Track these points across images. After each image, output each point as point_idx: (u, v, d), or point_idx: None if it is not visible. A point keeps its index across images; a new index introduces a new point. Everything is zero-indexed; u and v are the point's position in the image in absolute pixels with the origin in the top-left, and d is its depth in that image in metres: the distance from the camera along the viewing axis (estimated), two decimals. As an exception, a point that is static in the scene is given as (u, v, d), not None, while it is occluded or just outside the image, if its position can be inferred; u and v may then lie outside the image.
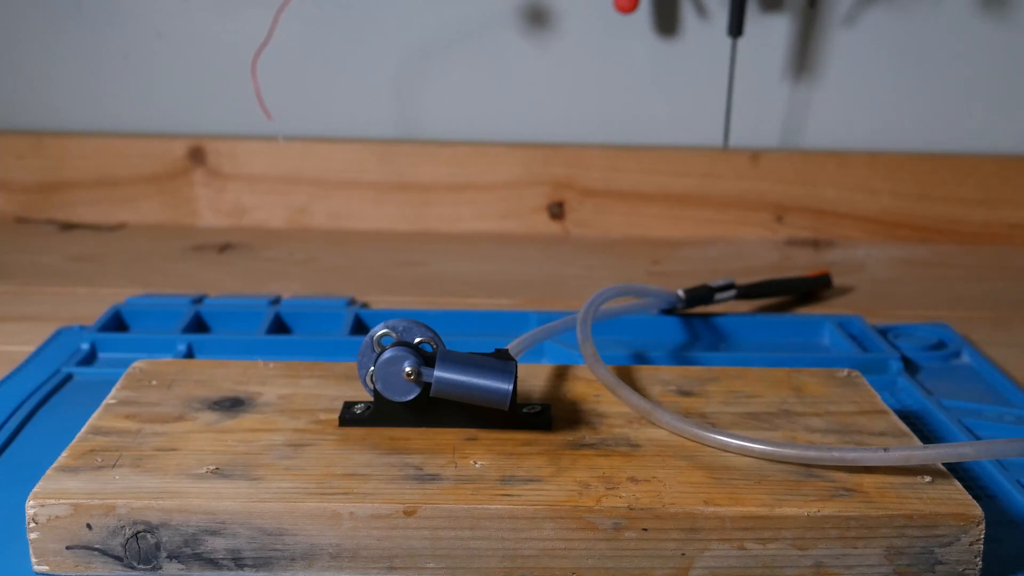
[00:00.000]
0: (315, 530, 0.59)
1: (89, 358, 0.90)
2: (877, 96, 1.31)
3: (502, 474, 0.62)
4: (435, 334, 0.68)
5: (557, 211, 1.30)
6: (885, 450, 0.61)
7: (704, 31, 1.29)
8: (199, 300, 1.01)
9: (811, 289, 1.08)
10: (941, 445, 0.61)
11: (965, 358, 0.93)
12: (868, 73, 1.30)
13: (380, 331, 0.68)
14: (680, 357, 0.91)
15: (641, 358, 0.90)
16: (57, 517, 0.59)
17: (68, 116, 1.34)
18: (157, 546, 0.59)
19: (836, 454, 0.62)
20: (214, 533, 0.59)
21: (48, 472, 0.61)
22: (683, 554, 0.59)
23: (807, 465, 0.63)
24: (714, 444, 0.64)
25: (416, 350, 0.66)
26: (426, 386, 0.65)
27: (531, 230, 1.30)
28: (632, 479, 0.61)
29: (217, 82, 1.32)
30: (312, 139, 1.32)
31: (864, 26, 1.29)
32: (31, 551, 0.59)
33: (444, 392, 0.65)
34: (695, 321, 0.97)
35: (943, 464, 0.63)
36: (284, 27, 1.25)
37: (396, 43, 1.31)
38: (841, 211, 1.29)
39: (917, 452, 0.61)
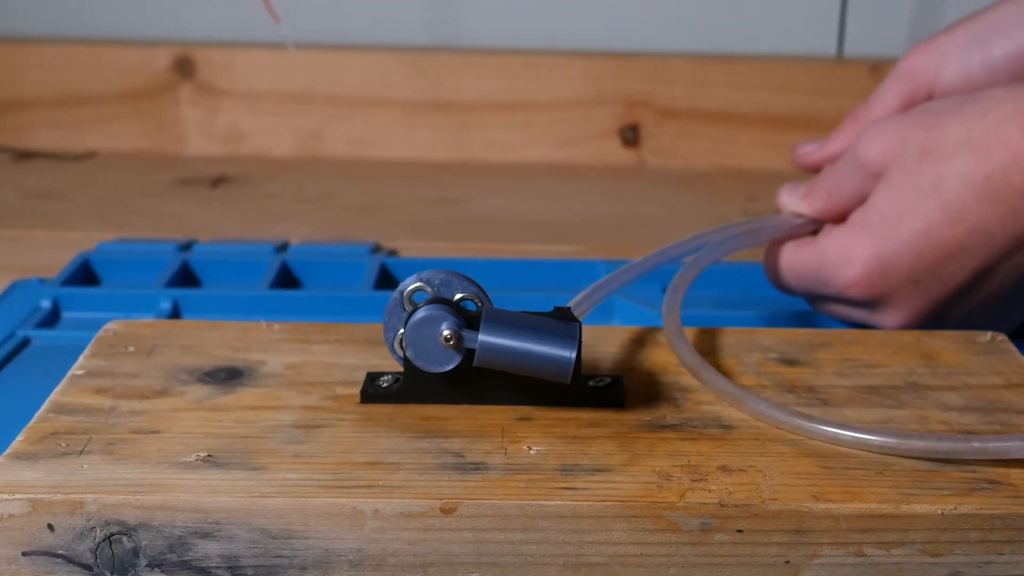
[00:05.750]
0: (331, 532, 0.59)
1: (51, 318, 0.91)
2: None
3: (563, 462, 0.62)
4: (479, 289, 0.68)
5: (630, 136, 1.30)
6: (1041, 435, 0.61)
7: (814, -91, 1.29)
8: (187, 246, 1.01)
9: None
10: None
11: None
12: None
13: (412, 285, 0.68)
14: (783, 315, 0.90)
15: (733, 315, 0.90)
16: (11, 516, 0.59)
17: (25, 18, 1.35)
18: (135, 552, 0.59)
19: (977, 444, 0.61)
20: (206, 536, 0.59)
21: (0, 460, 0.62)
22: (787, 561, 0.59)
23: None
24: (820, 437, 0.64)
25: (456, 309, 0.66)
26: (468, 353, 0.65)
27: (598, 159, 1.30)
28: (724, 468, 0.61)
29: (209, -24, 1.33)
30: (327, 47, 1.32)
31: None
32: (-20, 557, 0.60)
33: (491, 361, 0.65)
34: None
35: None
36: (291, -93, 1.25)
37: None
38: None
39: (1082, 437, 0.61)
